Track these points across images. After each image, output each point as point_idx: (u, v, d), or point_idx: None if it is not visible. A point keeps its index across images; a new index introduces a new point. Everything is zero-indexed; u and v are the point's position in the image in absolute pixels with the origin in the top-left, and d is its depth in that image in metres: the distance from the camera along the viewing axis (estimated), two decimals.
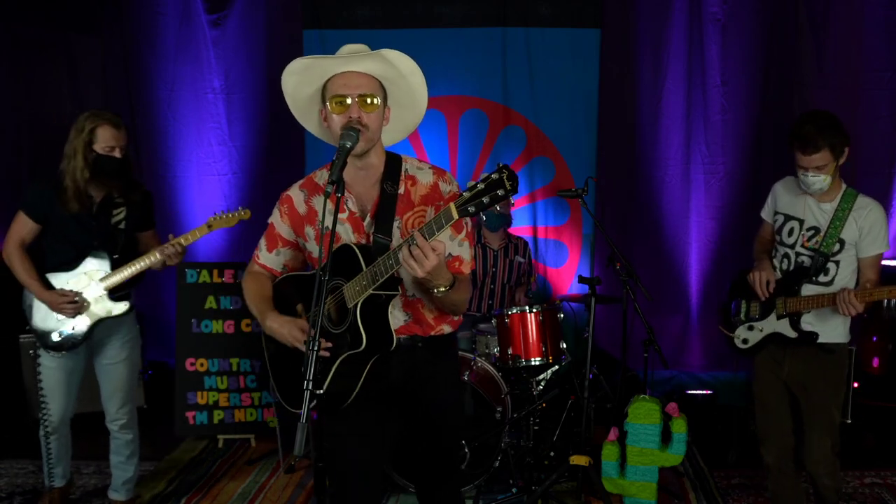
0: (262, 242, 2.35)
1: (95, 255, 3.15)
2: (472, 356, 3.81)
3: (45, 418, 3.25)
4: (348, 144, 1.99)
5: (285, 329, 2.16)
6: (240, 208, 3.37)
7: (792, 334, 2.88)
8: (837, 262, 2.80)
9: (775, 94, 4.82)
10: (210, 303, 4.32)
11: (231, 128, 5.17)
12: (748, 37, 4.80)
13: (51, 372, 3.19)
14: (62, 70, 5.10)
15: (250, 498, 3.68)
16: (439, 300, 2.14)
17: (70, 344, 3.16)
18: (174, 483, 3.86)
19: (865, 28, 4.64)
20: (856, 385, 4.25)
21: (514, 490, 3.52)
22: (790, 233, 2.90)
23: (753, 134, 4.87)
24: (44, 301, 3.11)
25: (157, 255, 3.13)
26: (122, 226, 3.18)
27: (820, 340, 2.84)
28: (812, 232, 2.83)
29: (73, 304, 3.09)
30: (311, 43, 4.98)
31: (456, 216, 1.86)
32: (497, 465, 3.56)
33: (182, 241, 3.16)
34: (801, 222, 2.86)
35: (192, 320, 4.32)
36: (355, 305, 2.06)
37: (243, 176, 5.19)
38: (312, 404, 1.79)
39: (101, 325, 3.20)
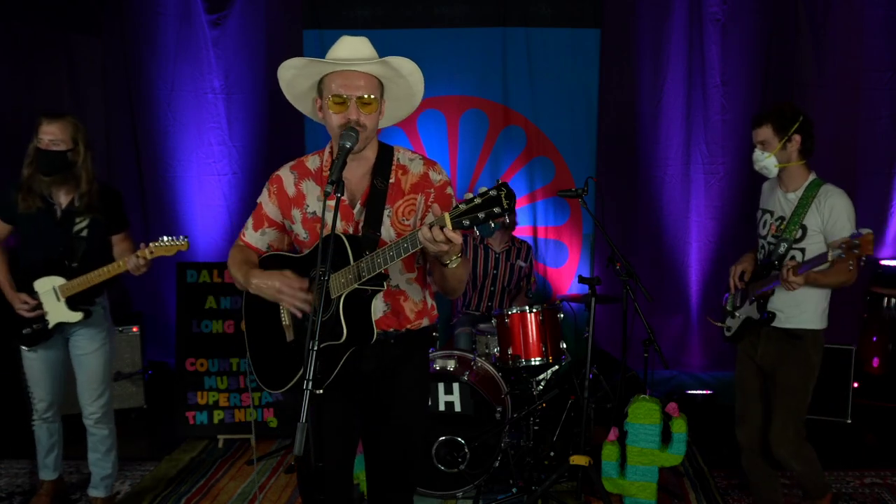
0: (250, 221, 2.36)
1: (57, 263, 3.16)
2: (472, 356, 3.81)
3: (33, 408, 3.34)
4: (348, 145, 2.01)
5: (272, 281, 2.12)
6: (181, 237, 3.21)
7: (756, 315, 3.00)
8: (803, 250, 2.87)
9: (775, 94, 4.82)
10: (210, 303, 4.32)
11: (231, 128, 5.17)
12: (748, 37, 4.81)
13: (32, 363, 3.28)
14: (62, 70, 5.09)
15: (250, 498, 3.68)
16: (451, 273, 2.08)
17: (41, 337, 3.21)
18: (174, 483, 3.86)
19: (865, 28, 4.64)
20: (856, 385, 4.26)
21: (514, 490, 3.51)
22: (763, 224, 3.07)
23: None
24: (9, 299, 3.19)
25: (121, 265, 3.12)
26: (83, 234, 3.17)
27: (787, 326, 2.94)
28: (779, 221, 2.97)
29: (27, 305, 3.15)
30: (311, 43, 4.99)
31: (450, 226, 1.85)
32: (497, 465, 3.55)
33: (147, 254, 3.11)
34: (772, 213, 3.02)
35: (192, 320, 4.33)
36: (339, 297, 2.07)
37: (243, 176, 5.19)
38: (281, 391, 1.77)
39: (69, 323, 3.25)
